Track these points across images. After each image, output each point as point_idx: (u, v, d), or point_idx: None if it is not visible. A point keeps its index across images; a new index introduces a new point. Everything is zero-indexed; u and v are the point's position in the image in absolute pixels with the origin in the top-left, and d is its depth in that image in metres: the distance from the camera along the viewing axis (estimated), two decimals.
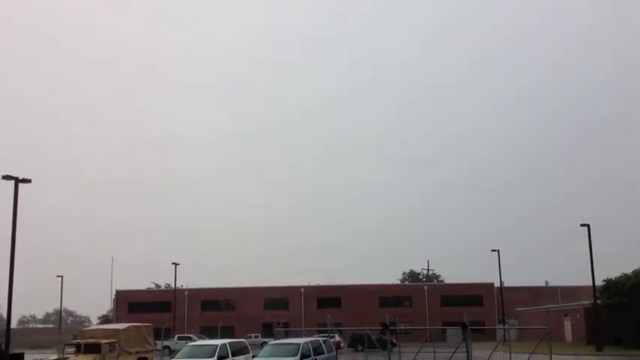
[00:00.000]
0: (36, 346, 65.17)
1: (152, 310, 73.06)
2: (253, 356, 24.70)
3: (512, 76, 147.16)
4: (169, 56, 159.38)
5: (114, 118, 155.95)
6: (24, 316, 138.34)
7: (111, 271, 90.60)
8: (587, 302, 52.01)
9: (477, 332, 47.74)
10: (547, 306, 61.87)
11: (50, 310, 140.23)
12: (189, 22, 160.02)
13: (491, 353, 30.59)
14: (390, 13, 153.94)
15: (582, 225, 44.77)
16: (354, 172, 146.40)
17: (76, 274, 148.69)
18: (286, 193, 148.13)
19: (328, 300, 74.36)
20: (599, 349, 42.79)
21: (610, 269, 68.74)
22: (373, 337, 37.16)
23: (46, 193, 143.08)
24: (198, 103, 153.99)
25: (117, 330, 28.73)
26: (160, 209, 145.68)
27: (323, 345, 25.25)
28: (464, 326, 26.60)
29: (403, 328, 49.88)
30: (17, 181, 30.42)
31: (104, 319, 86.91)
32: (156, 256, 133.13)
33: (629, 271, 48.18)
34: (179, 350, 25.61)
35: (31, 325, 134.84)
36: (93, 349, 26.42)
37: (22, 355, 28.62)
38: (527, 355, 28.37)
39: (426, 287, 77.63)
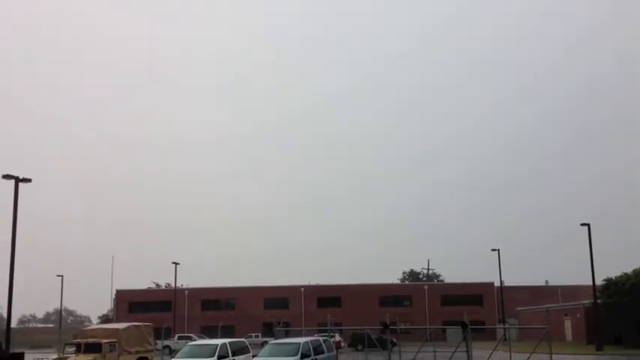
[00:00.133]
0: (36, 346, 65.17)
1: (152, 309, 73.11)
2: (253, 356, 24.68)
3: (512, 76, 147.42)
4: (169, 56, 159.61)
5: (114, 118, 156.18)
6: (24, 316, 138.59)
7: (111, 270, 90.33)
8: (587, 302, 52.01)
9: (477, 332, 47.82)
10: (547, 305, 61.87)
11: (50, 309, 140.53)
12: (189, 22, 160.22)
13: (492, 353, 30.60)
14: (390, 13, 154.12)
15: (582, 224, 44.79)
16: (354, 172, 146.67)
17: (76, 274, 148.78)
18: (286, 193, 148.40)
19: (328, 299, 74.38)
20: (599, 348, 42.79)
21: (610, 269, 68.99)
22: (373, 337, 37.16)
23: (46, 193, 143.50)
24: (198, 103, 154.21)
25: (117, 329, 28.73)
26: (160, 209, 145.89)
27: (323, 344, 25.24)
28: (464, 326, 26.60)
29: (403, 327, 49.86)
30: (17, 180, 30.43)
31: (104, 319, 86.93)
32: (156, 256, 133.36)
33: (629, 270, 48.24)
34: (179, 350, 25.60)
35: (31, 325, 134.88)
36: (93, 348, 26.42)
37: (22, 355, 28.58)
38: (528, 355, 28.37)
39: (426, 287, 77.63)
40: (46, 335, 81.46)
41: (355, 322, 59.63)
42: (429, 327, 61.59)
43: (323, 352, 24.47)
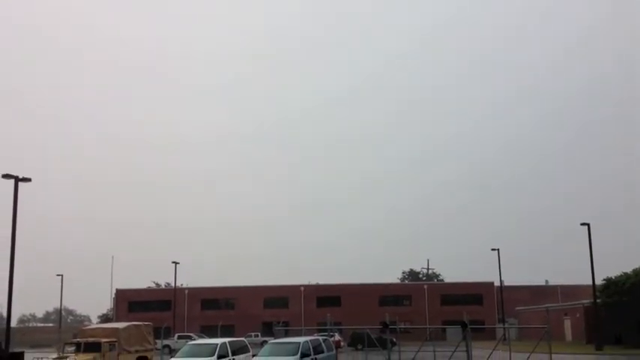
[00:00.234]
0: (36, 345, 65.17)
1: (152, 309, 73.14)
2: (253, 355, 24.68)
3: (512, 76, 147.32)
4: (169, 56, 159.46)
5: (114, 118, 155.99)
6: (24, 315, 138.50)
7: (111, 270, 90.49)
8: (587, 301, 52.02)
9: (477, 331, 47.86)
10: (547, 305, 61.89)
11: (50, 308, 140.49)
12: (189, 22, 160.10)
13: (491, 352, 30.61)
14: (390, 13, 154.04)
15: (582, 224, 44.80)
16: (354, 172, 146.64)
17: (76, 274, 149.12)
18: (286, 193, 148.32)
19: (328, 299, 74.39)
20: (598, 348, 42.80)
21: (610, 268, 68.85)
22: (373, 336, 37.16)
23: (46, 193, 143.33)
24: (198, 103, 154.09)
25: (117, 329, 28.73)
26: (160, 209, 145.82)
27: (323, 344, 25.25)
28: (464, 325, 26.60)
29: (403, 327, 49.89)
30: (17, 180, 30.43)
31: (104, 318, 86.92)
32: (156, 256, 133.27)
33: (629, 270, 48.25)
34: (179, 349, 25.63)
35: (31, 324, 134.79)
36: (93, 347, 26.41)
37: (22, 354, 28.56)
38: (527, 354, 28.37)
39: (425, 286, 77.65)
40: (46, 334, 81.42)
41: (355, 321, 59.65)
42: (428, 326, 61.61)
43: (323, 352, 24.47)
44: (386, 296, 75.34)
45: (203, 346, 23.92)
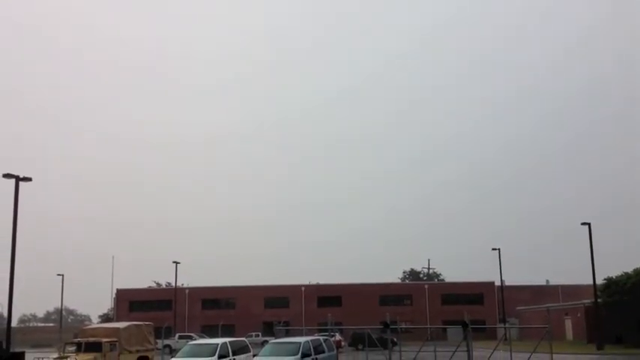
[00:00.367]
0: (37, 345, 65.22)
1: (153, 308, 73.16)
2: (254, 355, 24.66)
3: (512, 76, 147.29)
4: (169, 56, 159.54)
5: (114, 118, 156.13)
6: (25, 315, 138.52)
7: (111, 269, 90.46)
8: (587, 301, 51.99)
9: (478, 331, 47.89)
10: (548, 305, 61.85)
11: (51, 308, 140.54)
12: (189, 22, 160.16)
13: (492, 352, 30.60)
14: (390, 13, 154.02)
15: (583, 224, 44.76)
16: (354, 172, 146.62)
17: (76, 273, 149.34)
18: (286, 193, 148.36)
19: (329, 299, 74.37)
20: (599, 347, 42.78)
21: (611, 268, 68.87)
22: (374, 336, 37.15)
23: (46, 193, 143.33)
24: (198, 103, 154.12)
25: (117, 329, 28.72)
26: (160, 209, 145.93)
27: (324, 344, 25.23)
28: (464, 325, 26.59)
29: (404, 326, 49.85)
30: (18, 179, 30.41)
31: (105, 318, 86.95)
32: (156, 256, 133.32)
33: (629, 269, 48.19)
34: (180, 349, 25.59)
35: (31, 324, 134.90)
36: (94, 347, 26.40)
37: (22, 354, 28.57)
38: (528, 354, 28.35)
39: (426, 286, 77.62)
40: (47, 334, 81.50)
41: (356, 321, 59.64)
42: (429, 326, 61.58)
43: (323, 352, 24.45)
44: (387, 296, 75.30)
45: (204, 345, 23.91)
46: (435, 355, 30.36)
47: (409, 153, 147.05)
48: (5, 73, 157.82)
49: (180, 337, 57.70)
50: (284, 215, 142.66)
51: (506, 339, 41.78)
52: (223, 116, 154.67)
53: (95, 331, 29.01)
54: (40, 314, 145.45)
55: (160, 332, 41.43)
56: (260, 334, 66.30)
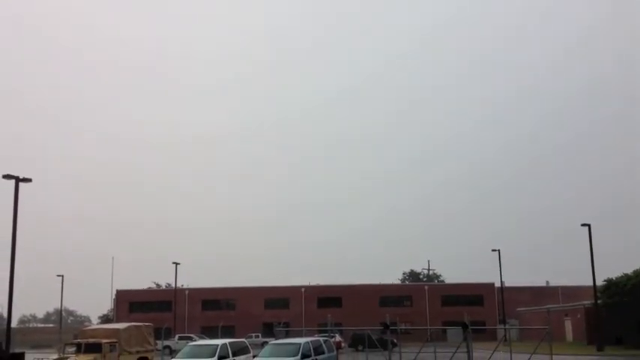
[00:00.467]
0: (36, 346, 65.14)
1: (152, 309, 73.11)
2: (254, 356, 24.66)
3: (512, 76, 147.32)
4: (169, 56, 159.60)
5: (114, 118, 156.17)
6: (24, 316, 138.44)
7: (111, 270, 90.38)
8: (587, 302, 51.97)
9: (478, 332, 47.77)
10: (548, 306, 61.83)
11: (51, 309, 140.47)
12: (189, 22, 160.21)
13: (492, 353, 30.59)
14: (390, 13, 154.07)
15: (583, 225, 44.73)
16: (354, 172, 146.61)
17: (76, 274, 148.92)
18: (286, 193, 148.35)
19: (329, 300, 74.36)
20: (599, 348, 42.75)
21: (611, 269, 68.95)
22: (374, 337, 37.14)
23: (46, 193, 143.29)
24: (198, 103, 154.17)
25: (117, 329, 28.72)
26: (160, 209, 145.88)
27: (323, 345, 25.22)
28: (464, 326, 26.59)
29: (404, 327, 49.85)
30: (17, 180, 30.42)
31: (105, 319, 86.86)
32: (156, 256, 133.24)
33: (629, 270, 48.21)
34: (179, 350, 25.59)
35: (31, 325, 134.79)
36: (93, 348, 26.40)
37: (22, 355, 28.58)
38: (528, 355, 28.35)
39: (426, 287, 77.60)
40: (47, 335, 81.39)
41: (355, 322, 59.60)
42: (429, 327, 61.54)
43: (323, 353, 24.44)
44: (386, 297, 75.25)
45: (204, 346, 23.91)
46: (435, 356, 30.37)
47: (409, 153, 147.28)
48: (5, 73, 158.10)
49: (180, 338, 57.65)
50: (284, 215, 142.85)
51: (506, 340, 41.75)
52: (223, 116, 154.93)
53: (95, 332, 29.01)
54: (40, 315, 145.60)
55: (159, 333, 41.44)
56: (260, 335, 66.29)
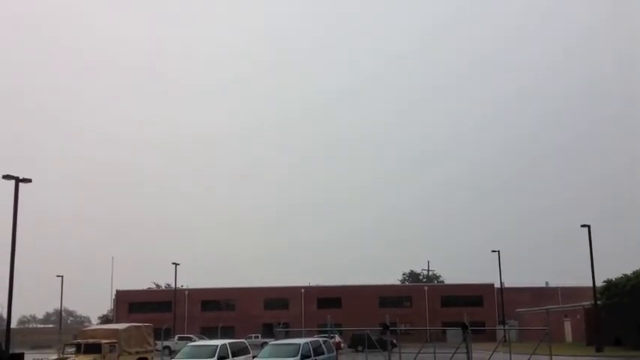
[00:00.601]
0: (36, 346, 65.13)
1: (152, 310, 73.08)
2: (253, 356, 24.69)
3: (512, 76, 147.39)
4: (169, 56, 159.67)
5: (114, 118, 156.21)
6: (24, 316, 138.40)
7: (111, 270, 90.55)
8: (587, 303, 51.97)
9: (477, 333, 47.76)
10: (547, 307, 61.84)
11: (50, 310, 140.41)
12: (189, 22, 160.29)
13: (492, 354, 30.59)
14: (390, 13, 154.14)
15: (583, 226, 44.73)
16: (354, 172, 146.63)
17: (76, 274, 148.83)
18: (286, 193, 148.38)
19: (328, 300, 74.34)
20: (599, 349, 42.74)
21: (610, 270, 68.71)
22: (373, 338, 37.15)
23: (46, 193, 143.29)
24: (198, 103, 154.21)
25: (117, 330, 28.74)
26: (160, 209, 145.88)
27: (323, 345, 25.24)
28: (464, 327, 26.61)
29: (403, 328, 49.88)
30: (17, 180, 30.44)
31: (104, 319, 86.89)
32: (156, 256, 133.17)
33: (629, 271, 48.21)
34: (179, 350, 25.60)
35: (31, 325, 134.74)
36: (93, 349, 26.43)
37: (22, 355, 28.59)
38: (528, 356, 28.36)
39: (426, 288, 77.61)
40: (46, 336, 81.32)
41: (355, 323, 59.53)
42: (429, 328, 61.58)
43: (323, 353, 24.46)
44: (386, 298, 75.24)
45: (203, 347, 23.93)
46: (435, 357, 30.37)
47: (409, 153, 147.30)
48: (5, 73, 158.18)
49: (180, 339, 57.68)
50: (284, 215, 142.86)
51: (505, 341, 41.78)
52: (223, 116, 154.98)
53: (95, 333, 29.03)
54: (40, 315, 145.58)
55: (159, 333, 41.44)
56: (260, 335, 66.31)
